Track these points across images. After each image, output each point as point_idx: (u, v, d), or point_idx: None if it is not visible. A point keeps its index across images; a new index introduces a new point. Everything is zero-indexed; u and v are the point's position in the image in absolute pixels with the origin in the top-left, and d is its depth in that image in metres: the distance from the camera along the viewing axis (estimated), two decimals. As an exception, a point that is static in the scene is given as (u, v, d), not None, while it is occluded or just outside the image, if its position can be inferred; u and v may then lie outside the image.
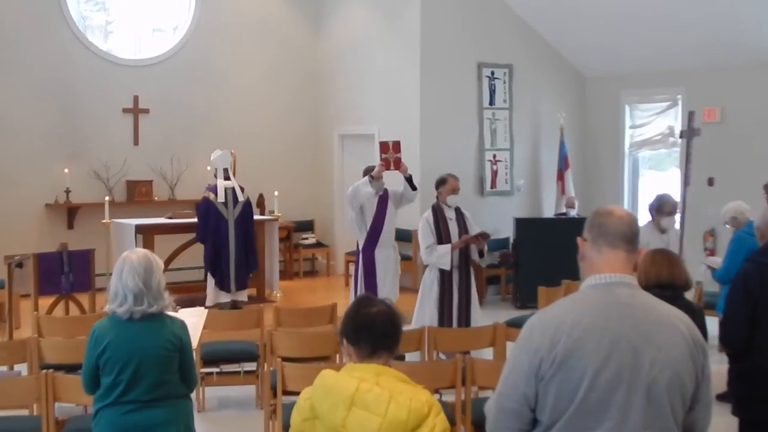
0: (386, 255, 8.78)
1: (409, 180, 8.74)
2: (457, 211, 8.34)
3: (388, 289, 8.64)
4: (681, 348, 2.80)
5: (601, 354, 2.74)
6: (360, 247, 8.81)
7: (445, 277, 8.15)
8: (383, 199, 8.74)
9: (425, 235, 8.16)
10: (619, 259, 2.89)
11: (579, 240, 2.99)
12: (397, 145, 8.71)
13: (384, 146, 8.73)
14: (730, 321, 4.70)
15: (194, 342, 4.72)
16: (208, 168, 10.96)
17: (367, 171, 8.81)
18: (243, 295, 10.68)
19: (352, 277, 9.14)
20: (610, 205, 3.04)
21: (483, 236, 8.21)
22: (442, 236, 8.14)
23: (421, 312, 8.27)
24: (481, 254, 8.32)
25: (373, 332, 3.03)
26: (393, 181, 9.01)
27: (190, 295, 10.49)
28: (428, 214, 8.26)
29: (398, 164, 8.64)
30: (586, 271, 2.95)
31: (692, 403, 2.86)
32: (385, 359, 3.05)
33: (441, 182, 8.40)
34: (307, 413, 3.03)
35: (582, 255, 2.97)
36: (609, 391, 2.72)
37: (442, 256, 8.06)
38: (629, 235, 2.91)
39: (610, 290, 2.85)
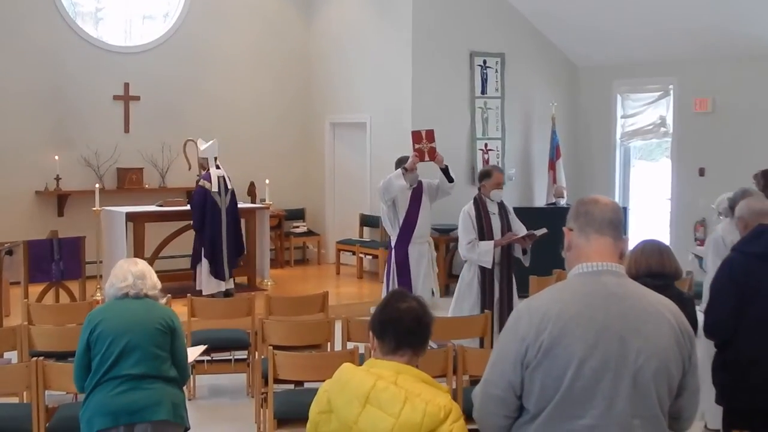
0: (420, 251, 8.35)
1: (445, 171, 8.28)
2: (500, 205, 7.84)
3: (422, 286, 8.24)
4: (668, 337, 2.81)
5: (587, 343, 2.74)
6: (392, 243, 8.38)
7: (486, 274, 7.64)
8: (417, 192, 8.29)
9: (466, 230, 7.64)
10: (606, 246, 2.90)
11: (565, 230, 3.00)
12: (430, 134, 8.25)
13: (417, 136, 8.28)
14: (714, 310, 4.71)
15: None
16: (197, 156, 10.87)
17: (400, 162, 8.35)
18: (231, 283, 10.71)
19: (384, 275, 8.68)
20: (594, 194, 3.05)
21: (529, 237, 7.70)
22: (483, 231, 7.63)
23: (458, 310, 7.75)
24: (524, 251, 7.74)
25: (398, 328, 2.97)
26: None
27: (180, 283, 10.48)
28: (469, 207, 7.74)
29: (433, 154, 8.18)
30: (572, 261, 2.96)
31: (679, 391, 2.87)
32: (409, 357, 2.98)
33: (485, 175, 7.88)
34: (324, 406, 2.99)
35: (568, 245, 2.98)
36: (594, 380, 2.73)
37: (484, 254, 7.54)
38: (616, 222, 2.92)
39: (598, 279, 2.86)
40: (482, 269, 7.64)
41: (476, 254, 7.59)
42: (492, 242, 7.58)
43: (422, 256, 8.36)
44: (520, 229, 7.83)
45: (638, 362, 2.75)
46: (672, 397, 2.85)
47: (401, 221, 8.29)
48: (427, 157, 8.18)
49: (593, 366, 2.73)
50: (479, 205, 7.75)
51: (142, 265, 4.52)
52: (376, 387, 2.87)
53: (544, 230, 7.71)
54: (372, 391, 2.87)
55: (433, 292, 8.44)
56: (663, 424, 2.83)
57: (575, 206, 3.00)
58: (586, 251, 2.91)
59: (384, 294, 8.43)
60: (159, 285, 4.53)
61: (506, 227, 7.74)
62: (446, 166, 8.30)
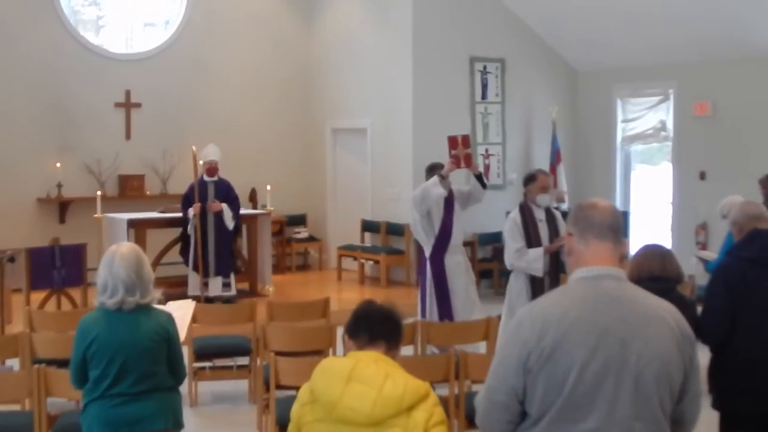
0: (457, 261, 8.06)
1: (479, 178, 8.02)
2: (548, 211, 7.35)
3: (461, 298, 7.97)
4: (668, 341, 2.82)
5: (588, 347, 2.76)
6: (427, 254, 8.06)
7: (536, 284, 7.10)
8: (449, 200, 7.99)
9: (513, 237, 7.15)
10: (606, 250, 2.92)
11: (565, 235, 3.03)
12: (466, 140, 7.98)
13: (453, 141, 7.99)
14: (709, 315, 4.71)
15: (182, 334, 4.68)
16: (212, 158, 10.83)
17: (432, 169, 8.05)
18: None
19: (419, 289, 8.34)
20: (592, 198, 3.07)
21: None
22: (531, 240, 7.13)
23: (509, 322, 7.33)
24: None
25: (370, 321, 3.15)
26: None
27: (182, 289, 10.47)
28: (515, 214, 7.30)
29: (469, 161, 7.90)
30: (572, 265, 2.99)
31: (681, 395, 2.88)
32: (385, 350, 3.12)
33: (530, 179, 7.40)
34: (306, 398, 3.09)
35: (569, 250, 3.00)
36: (596, 383, 2.75)
37: (534, 261, 7.03)
38: (615, 226, 2.94)
39: (598, 283, 2.88)
40: (531, 278, 7.13)
41: (525, 262, 7.08)
42: (541, 249, 7.08)
43: (459, 265, 8.07)
44: None
45: (639, 366, 2.76)
46: (674, 401, 2.86)
47: (436, 231, 7.99)
48: (462, 164, 7.92)
49: (595, 370, 2.74)
50: (525, 212, 7.27)
51: (132, 260, 4.19)
52: (357, 366, 3.01)
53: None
54: (354, 370, 3.00)
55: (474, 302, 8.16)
56: (665, 428, 2.83)
57: (574, 211, 3.02)
58: (585, 256, 2.93)
59: (420, 308, 8.16)
60: (152, 277, 4.29)
61: (554, 235, 7.26)
62: (480, 173, 8.10)
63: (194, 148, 10.68)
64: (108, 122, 12.38)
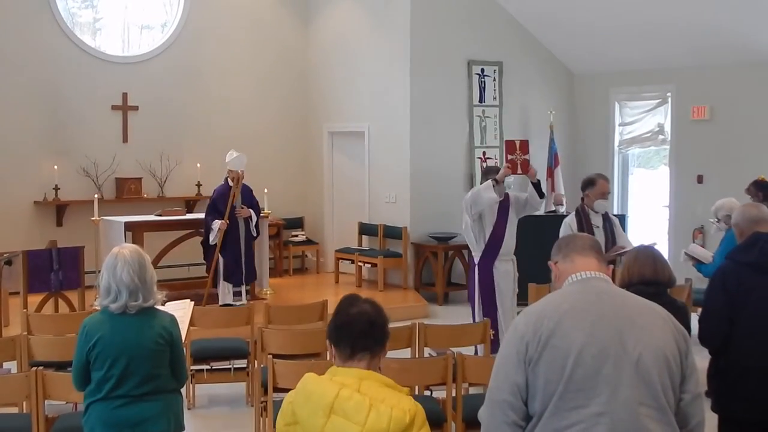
0: (506, 269, 7.82)
1: (536, 186, 7.71)
2: (605, 217, 7.28)
3: (507, 307, 7.78)
4: (663, 329, 2.91)
5: (584, 330, 2.84)
6: (476, 260, 7.87)
7: None
8: (504, 205, 7.74)
9: None
10: (592, 262, 3.09)
11: (551, 264, 3.20)
12: (524, 145, 7.77)
13: (510, 146, 7.82)
14: (708, 319, 4.72)
15: (182, 335, 4.69)
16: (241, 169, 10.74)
17: (488, 172, 7.87)
18: None
19: (469, 296, 8.10)
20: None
21: None
22: None
23: None
24: None
25: (351, 332, 2.96)
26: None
27: (179, 292, 10.45)
28: (571, 219, 7.23)
29: (526, 167, 7.65)
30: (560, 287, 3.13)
31: (681, 394, 2.91)
32: (368, 362, 2.97)
33: (589, 183, 7.35)
34: (289, 418, 3.00)
35: (556, 276, 3.16)
36: (595, 367, 2.80)
37: None
38: (596, 247, 3.16)
39: (588, 282, 3.03)
40: None
41: None
42: None
43: (507, 274, 7.83)
44: (626, 243, 7.20)
45: (637, 350, 2.83)
46: (676, 395, 2.89)
47: (487, 236, 7.76)
48: (519, 170, 7.69)
49: (593, 353, 2.81)
50: (582, 217, 7.18)
51: (135, 264, 4.18)
52: (340, 396, 2.86)
53: (654, 243, 7.28)
54: (336, 401, 2.86)
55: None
56: (670, 417, 2.86)
57: (556, 244, 3.25)
58: (572, 270, 3.08)
59: (473, 317, 7.95)
60: (155, 279, 4.28)
61: (611, 243, 7.10)
62: (538, 181, 7.79)
63: (241, 171, 10.64)
64: (105, 125, 12.37)
